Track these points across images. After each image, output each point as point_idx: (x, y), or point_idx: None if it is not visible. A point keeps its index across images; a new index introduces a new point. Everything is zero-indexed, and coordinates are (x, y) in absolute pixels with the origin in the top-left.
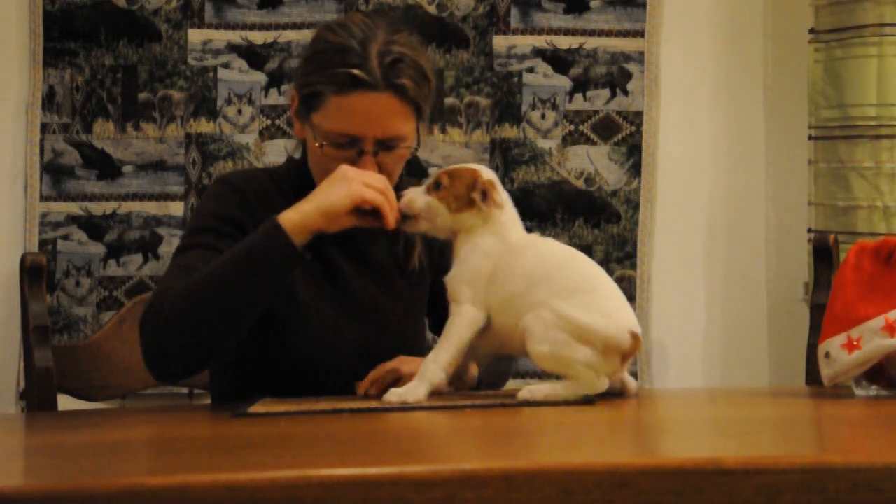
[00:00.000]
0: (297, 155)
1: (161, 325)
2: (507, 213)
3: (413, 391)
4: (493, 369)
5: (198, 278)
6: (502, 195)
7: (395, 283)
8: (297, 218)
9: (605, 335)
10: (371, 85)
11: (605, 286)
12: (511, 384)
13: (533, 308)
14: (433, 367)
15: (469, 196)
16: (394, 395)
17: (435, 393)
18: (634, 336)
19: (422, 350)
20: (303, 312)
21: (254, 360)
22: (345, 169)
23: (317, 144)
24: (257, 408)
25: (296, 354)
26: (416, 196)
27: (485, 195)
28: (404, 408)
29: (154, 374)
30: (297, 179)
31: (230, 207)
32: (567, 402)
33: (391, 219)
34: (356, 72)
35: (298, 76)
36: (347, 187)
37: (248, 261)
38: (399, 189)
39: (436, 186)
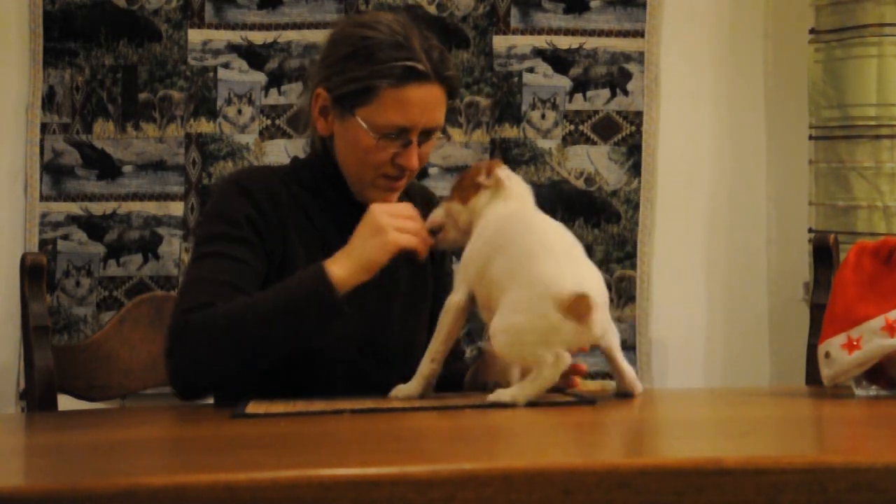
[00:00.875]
0: (304, 154)
1: (196, 353)
2: (511, 187)
3: (406, 388)
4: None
5: (239, 312)
6: (506, 172)
7: (398, 277)
8: (342, 274)
9: (530, 313)
10: (426, 76)
11: (549, 251)
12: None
13: (493, 281)
14: (424, 361)
15: (476, 182)
16: (395, 392)
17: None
18: (577, 298)
19: (423, 343)
20: None
21: None
22: (376, 214)
23: (370, 137)
24: (257, 408)
25: (302, 354)
26: (436, 211)
27: (488, 174)
28: (404, 408)
29: (180, 393)
30: (308, 178)
31: (240, 209)
32: (564, 403)
33: (424, 252)
34: (413, 64)
35: (333, 74)
36: (383, 241)
37: (294, 308)
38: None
39: (449, 196)
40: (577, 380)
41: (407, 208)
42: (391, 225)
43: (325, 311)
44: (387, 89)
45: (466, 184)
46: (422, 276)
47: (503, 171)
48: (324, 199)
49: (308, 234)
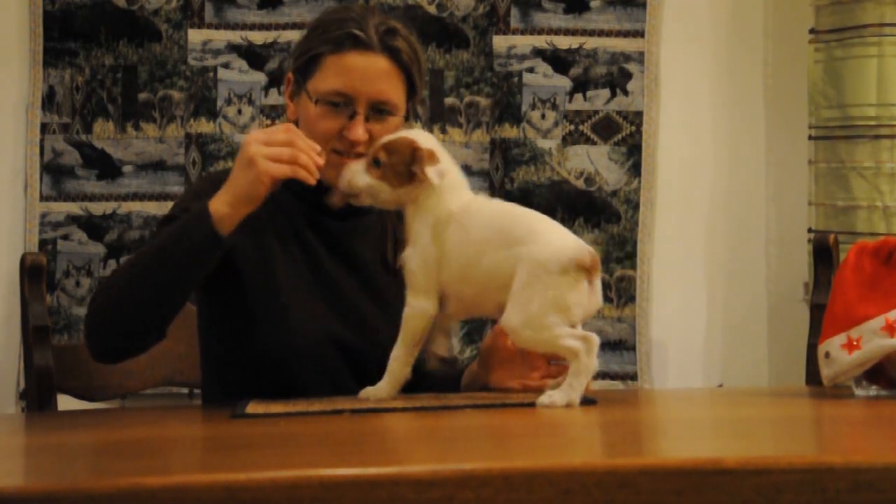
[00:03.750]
0: None
1: (97, 305)
2: (452, 179)
3: (379, 390)
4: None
5: (130, 259)
6: (444, 163)
7: (379, 282)
8: (223, 209)
9: (561, 257)
10: (367, 44)
11: (544, 223)
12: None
13: (490, 275)
14: (396, 365)
15: (409, 170)
16: (363, 393)
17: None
18: (588, 252)
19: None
20: (286, 310)
21: (238, 356)
22: (246, 145)
23: (312, 103)
24: (256, 408)
25: (278, 352)
26: (357, 175)
27: (427, 163)
28: (404, 408)
29: (91, 353)
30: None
31: (202, 200)
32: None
33: (311, 179)
34: (353, 30)
35: (295, 55)
36: (256, 172)
37: (178, 243)
38: None
39: (375, 163)
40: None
41: (282, 133)
42: (261, 154)
43: (206, 243)
44: (328, 56)
45: (399, 167)
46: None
47: (440, 166)
48: (296, 196)
49: (280, 228)
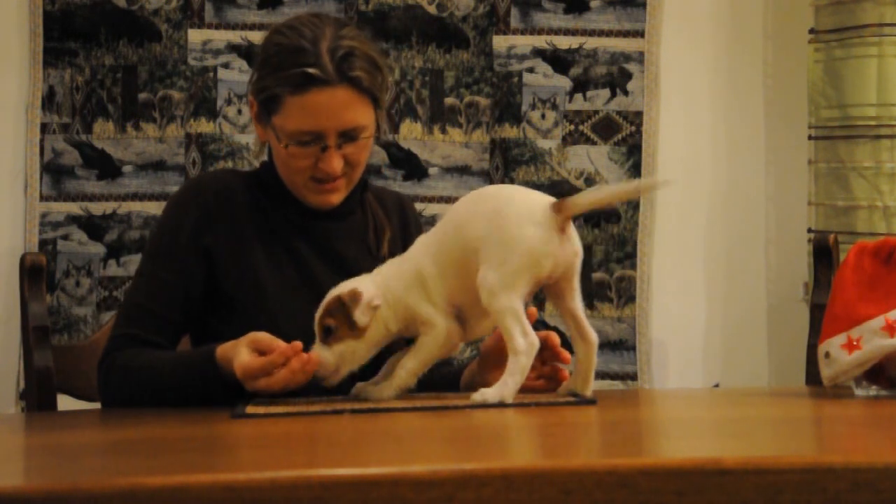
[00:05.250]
0: (261, 159)
1: (116, 399)
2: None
3: (381, 391)
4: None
5: (139, 379)
6: (370, 296)
7: (358, 264)
8: (229, 376)
9: (527, 208)
10: (326, 81)
11: (508, 190)
12: None
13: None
14: (404, 375)
15: (352, 319)
16: (358, 389)
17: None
18: (557, 202)
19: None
20: (274, 315)
21: None
22: (243, 381)
23: (282, 146)
24: (256, 408)
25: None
26: (325, 359)
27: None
28: (404, 408)
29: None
30: (268, 181)
31: (186, 219)
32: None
33: (294, 383)
34: (310, 70)
35: (254, 82)
36: (248, 386)
37: (183, 390)
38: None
39: (327, 334)
40: (566, 373)
41: (262, 361)
42: (252, 383)
43: (213, 388)
44: (289, 97)
45: (347, 322)
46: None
47: (366, 309)
48: (280, 201)
49: (265, 233)
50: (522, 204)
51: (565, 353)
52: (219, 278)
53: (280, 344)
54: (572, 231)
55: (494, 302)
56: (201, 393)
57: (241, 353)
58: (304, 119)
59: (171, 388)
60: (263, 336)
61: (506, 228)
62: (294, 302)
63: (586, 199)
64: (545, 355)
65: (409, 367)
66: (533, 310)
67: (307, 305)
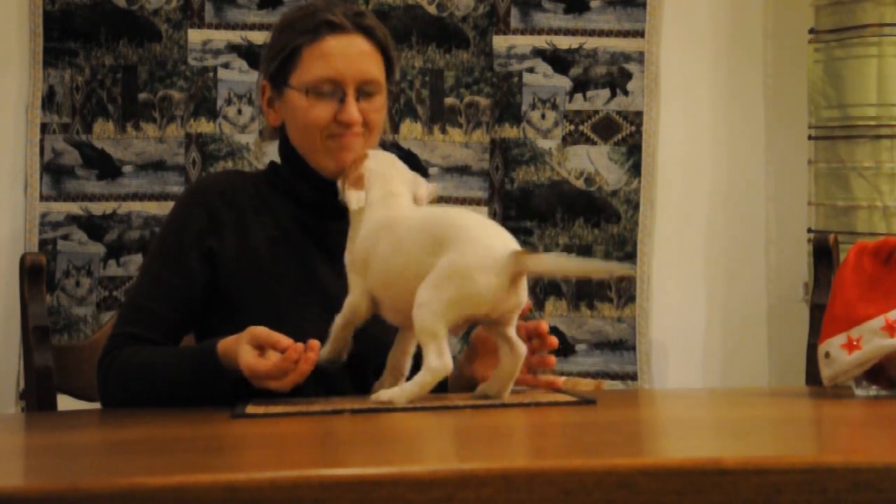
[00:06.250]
0: (261, 159)
1: (116, 397)
2: (389, 190)
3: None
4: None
5: (140, 375)
6: (375, 183)
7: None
8: (232, 371)
9: (483, 259)
10: (341, 27)
11: (476, 223)
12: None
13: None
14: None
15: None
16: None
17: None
18: (517, 253)
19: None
20: (278, 316)
21: None
22: (247, 373)
23: (302, 100)
24: (257, 408)
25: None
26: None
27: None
28: (404, 408)
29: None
30: (277, 181)
31: (191, 220)
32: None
33: (301, 374)
34: (326, 16)
35: (268, 59)
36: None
37: (185, 386)
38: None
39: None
40: (560, 381)
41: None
42: (263, 380)
43: (215, 384)
44: (306, 47)
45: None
46: None
47: (377, 183)
48: (285, 201)
49: (270, 234)
50: (485, 250)
51: (552, 339)
52: (222, 279)
53: (280, 338)
54: (523, 284)
55: (420, 317)
56: (203, 388)
57: (244, 351)
58: (323, 66)
59: (172, 384)
60: (262, 331)
61: (459, 265)
62: (298, 303)
63: (548, 264)
64: (534, 344)
65: (337, 324)
66: (528, 303)
67: (311, 306)
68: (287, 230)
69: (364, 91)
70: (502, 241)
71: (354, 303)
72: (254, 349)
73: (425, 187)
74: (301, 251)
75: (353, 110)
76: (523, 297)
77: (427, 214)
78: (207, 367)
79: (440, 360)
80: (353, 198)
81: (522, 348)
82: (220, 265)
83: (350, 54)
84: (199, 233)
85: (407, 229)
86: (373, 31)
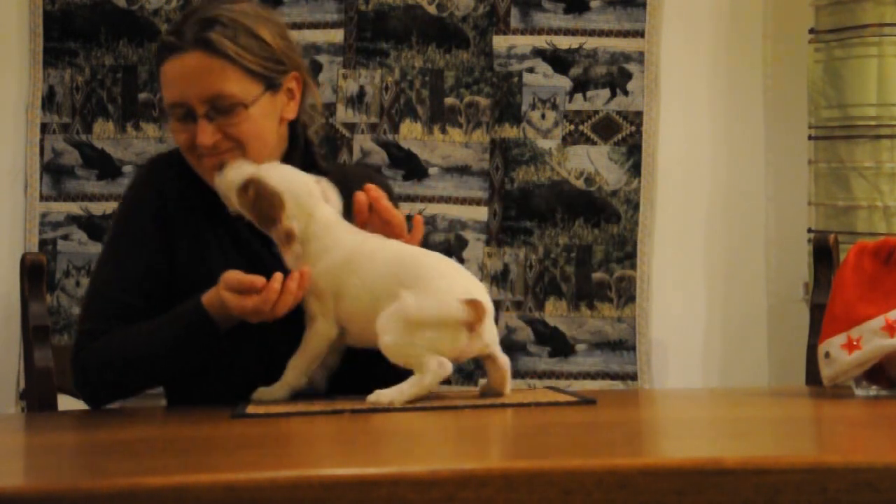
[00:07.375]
0: None
1: (96, 388)
2: (324, 219)
3: (274, 392)
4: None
5: (124, 353)
6: (310, 213)
7: None
8: (221, 315)
9: (437, 314)
10: (178, 47)
11: (435, 268)
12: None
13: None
14: (294, 373)
15: (272, 219)
16: (258, 394)
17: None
18: (472, 303)
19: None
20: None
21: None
22: (240, 313)
23: (170, 117)
24: (257, 408)
25: (237, 358)
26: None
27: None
28: (404, 408)
29: (87, 403)
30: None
31: (146, 201)
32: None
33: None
34: (166, 38)
35: None
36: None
37: (176, 340)
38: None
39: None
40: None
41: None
42: (248, 314)
43: (205, 337)
44: (159, 70)
45: (264, 212)
46: None
47: (309, 215)
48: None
49: (215, 219)
50: (437, 303)
51: (392, 212)
52: (175, 263)
53: (254, 279)
54: (484, 326)
55: (397, 356)
56: (194, 346)
57: (227, 297)
58: (167, 89)
59: (160, 351)
60: (235, 276)
61: (412, 324)
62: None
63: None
64: (386, 230)
65: (295, 365)
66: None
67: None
68: (237, 232)
69: (218, 107)
70: (453, 292)
71: (323, 332)
72: (236, 294)
73: (331, 189)
74: (243, 238)
75: (200, 135)
76: (488, 338)
77: (389, 255)
78: (199, 322)
79: (438, 363)
80: (291, 259)
81: (505, 360)
82: (175, 248)
83: (186, 75)
84: (154, 216)
85: (371, 271)
86: (213, 45)
